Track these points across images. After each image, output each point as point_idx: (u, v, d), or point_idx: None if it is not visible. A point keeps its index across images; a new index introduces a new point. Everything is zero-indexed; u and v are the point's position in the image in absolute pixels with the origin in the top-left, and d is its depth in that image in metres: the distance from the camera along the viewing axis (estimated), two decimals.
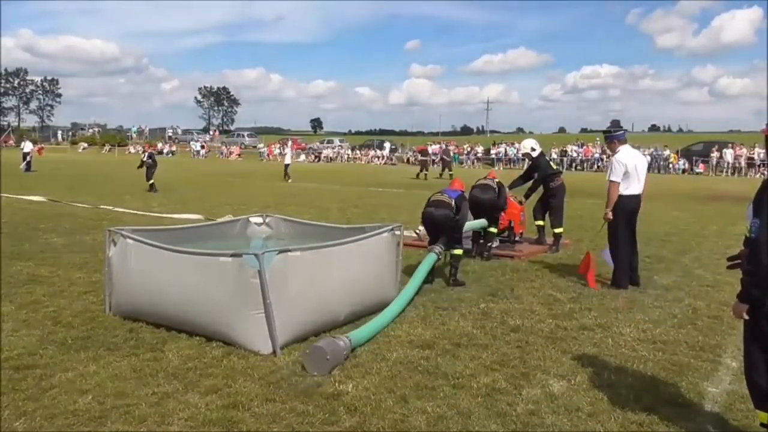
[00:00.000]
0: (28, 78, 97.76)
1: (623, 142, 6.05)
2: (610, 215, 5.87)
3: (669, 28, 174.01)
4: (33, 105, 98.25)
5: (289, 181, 21.48)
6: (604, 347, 4.20)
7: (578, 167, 34.50)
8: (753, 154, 30.53)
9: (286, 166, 22.98)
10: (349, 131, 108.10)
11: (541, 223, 8.10)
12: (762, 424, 2.71)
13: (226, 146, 50.01)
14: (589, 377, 3.63)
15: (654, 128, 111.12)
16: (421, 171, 24.25)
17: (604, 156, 34.77)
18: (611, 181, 5.86)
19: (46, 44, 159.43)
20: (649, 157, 32.92)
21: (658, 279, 6.32)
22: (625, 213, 5.85)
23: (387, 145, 44.56)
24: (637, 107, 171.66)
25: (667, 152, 33.28)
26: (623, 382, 3.55)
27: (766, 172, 27.87)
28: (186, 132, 66.99)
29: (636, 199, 5.88)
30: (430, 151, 28.89)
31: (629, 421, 3.07)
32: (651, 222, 11.10)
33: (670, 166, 32.14)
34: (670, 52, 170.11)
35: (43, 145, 44.30)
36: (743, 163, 30.76)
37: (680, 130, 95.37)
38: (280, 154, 45.37)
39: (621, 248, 5.87)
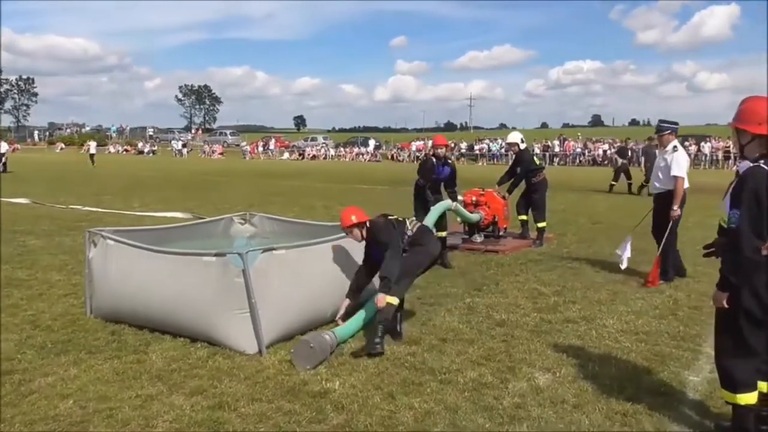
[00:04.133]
0: (2, 77, 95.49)
1: (676, 135, 5.96)
2: (679, 212, 5.73)
3: (650, 25, 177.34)
4: (8, 105, 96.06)
5: (94, 165, 28.55)
6: (588, 339, 4.25)
7: (560, 162, 34.86)
8: (730, 146, 31.20)
9: (92, 155, 30.48)
10: (333, 128, 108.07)
11: (524, 217, 8.17)
12: (727, 402, 2.82)
13: (208, 145, 49.45)
14: (573, 369, 3.67)
15: (634, 122, 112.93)
16: (628, 180, 16.70)
17: (586, 150, 35.31)
18: (680, 177, 5.68)
19: (25, 42, 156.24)
20: (629, 152, 33.47)
21: (640, 271, 6.41)
22: (683, 208, 5.80)
23: (372, 142, 44.49)
24: (618, 102, 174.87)
25: None
26: (607, 373, 3.60)
27: (736, 165, 28.48)
28: (167, 131, 66.01)
29: (685, 194, 5.82)
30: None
31: (613, 411, 3.11)
32: (634, 215, 11.26)
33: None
34: (651, 48, 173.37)
35: (17, 145, 43.32)
36: (720, 156, 31.39)
37: None
38: (263, 152, 45.16)
39: (674, 244, 5.82)
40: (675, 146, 5.85)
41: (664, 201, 5.85)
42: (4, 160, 23.36)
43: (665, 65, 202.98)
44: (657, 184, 6.00)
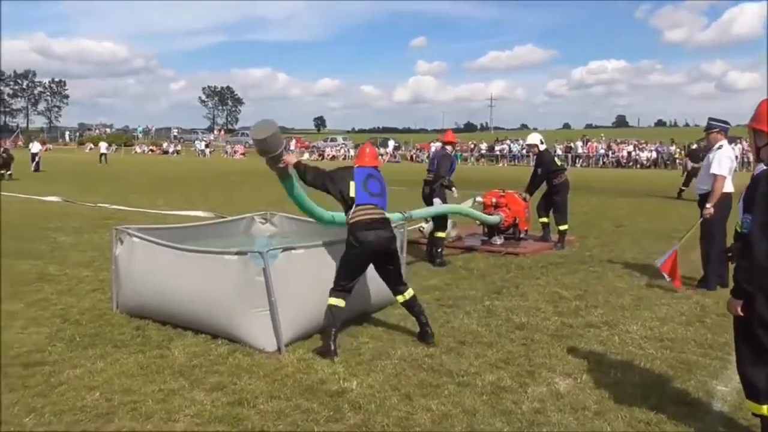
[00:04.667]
0: (36, 80, 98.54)
1: (726, 135, 5.77)
2: (712, 210, 5.48)
3: (678, 23, 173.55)
4: (41, 106, 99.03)
5: (105, 163, 31.04)
6: (610, 345, 4.18)
7: (583, 163, 34.32)
8: None
9: (103, 154, 32.70)
10: (353, 129, 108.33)
11: (545, 220, 8.07)
12: (753, 414, 2.72)
13: (230, 145, 50.16)
14: (595, 375, 3.61)
15: (660, 123, 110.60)
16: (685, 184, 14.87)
17: (610, 152, 34.68)
18: (719, 175, 5.45)
19: (58, 46, 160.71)
20: (655, 153, 32.78)
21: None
22: (725, 211, 5.54)
23: (391, 143, 44.53)
24: (644, 102, 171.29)
25: (673, 148, 33.00)
26: (630, 381, 3.53)
27: (752, 166, 27.53)
28: (191, 131, 67.18)
29: (730, 197, 5.56)
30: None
31: (636, 420, 3.05)
32: (659, 218, 11.05)
33: (677, 161, 31.88)
34: (678, 47, 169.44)
35: (49, 146, 44.65)
36: (752, 158, 30.41)
37: (687, 125, 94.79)
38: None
39: (716, 248, 5.48)
40: (720, 145, 5.65)
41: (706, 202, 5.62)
42: (37, 159, 24.09)
43: (693, 64, 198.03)
44: (700, 185, 5.80)
